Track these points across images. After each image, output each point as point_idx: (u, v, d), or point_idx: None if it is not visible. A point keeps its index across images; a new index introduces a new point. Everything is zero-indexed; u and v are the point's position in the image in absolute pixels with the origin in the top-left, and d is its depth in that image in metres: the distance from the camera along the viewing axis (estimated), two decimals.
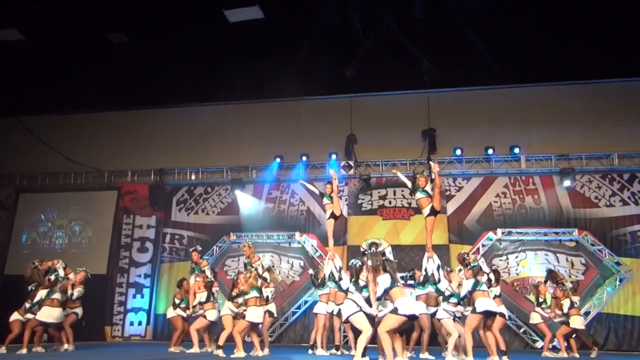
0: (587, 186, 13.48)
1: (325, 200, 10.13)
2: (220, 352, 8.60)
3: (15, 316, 9.32)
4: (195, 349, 9.21)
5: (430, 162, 9.50)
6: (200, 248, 10.73)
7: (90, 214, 15.38)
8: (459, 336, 8.02)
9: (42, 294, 9.12)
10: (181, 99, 15.24)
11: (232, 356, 8.36)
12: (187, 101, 15.49)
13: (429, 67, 13.03)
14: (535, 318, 10.30)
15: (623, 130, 13.51)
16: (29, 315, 9.20)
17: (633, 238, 12.76)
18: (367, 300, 7.08)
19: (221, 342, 8.65)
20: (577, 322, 9.61)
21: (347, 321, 7.31)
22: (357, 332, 7.27)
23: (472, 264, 7.93)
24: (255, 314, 8.58)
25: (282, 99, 15.15)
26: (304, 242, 14.13)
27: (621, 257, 12.52)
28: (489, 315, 7.70)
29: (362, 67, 13.30)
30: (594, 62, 12.65)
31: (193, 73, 13.24)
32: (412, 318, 6.56)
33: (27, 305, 9.31)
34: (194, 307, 9.68)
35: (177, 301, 10.08)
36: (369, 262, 6.84)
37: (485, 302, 7.56)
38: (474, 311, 7.59)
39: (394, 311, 6.43)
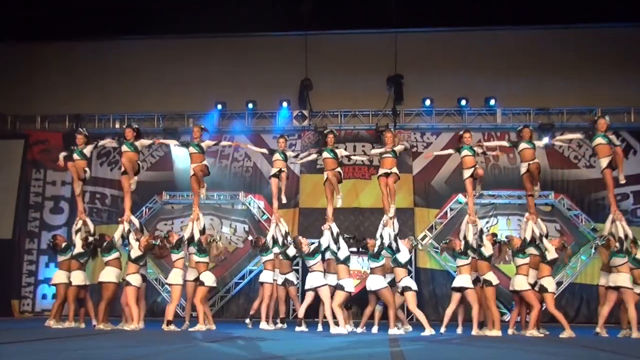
0: (566, 144, 14.08)
1: (277, 157, 10.28)
2: (173, 327, 8.93)
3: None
4: (135, 325, 8.84)
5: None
6: (135, 125, 10.22)
7: None
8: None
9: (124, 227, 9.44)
10: (104, 31, 14.65)
11: (193, 329, 8.94)
12: (111, 33, 14.92)
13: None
14: (520, 283, 8.85)
15: (608, 84, 14.07)
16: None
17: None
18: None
19: (170, 315, 9.03)
20: (552, 285, 8.99)
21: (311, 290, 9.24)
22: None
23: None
24: (211, 278, 9.31)
25: (225, 35, 14.88)
26: (249, 204, 14.22)
27: (598, 223, 13.23)
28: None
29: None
30: (579, 5, 13.04)
31: (119, 0, 12.77)
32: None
33: None
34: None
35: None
36: None
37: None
38: (490, 284, 8.81)
39: (341, 288, 8.95)
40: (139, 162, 10.03)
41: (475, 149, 9.79)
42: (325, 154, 9.83)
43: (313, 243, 9.77)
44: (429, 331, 8.70)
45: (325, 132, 10.71)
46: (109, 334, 8.03)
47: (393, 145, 9.69)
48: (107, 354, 5.25)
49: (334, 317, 8.99)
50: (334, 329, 8.81)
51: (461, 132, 10.18)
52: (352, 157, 11.57)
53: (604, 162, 9.17)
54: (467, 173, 9.64)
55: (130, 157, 9.69)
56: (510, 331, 9.00)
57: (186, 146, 10.08)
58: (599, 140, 9.21)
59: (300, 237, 9.66)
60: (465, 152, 9.66)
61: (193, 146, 9.83)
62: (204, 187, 10.00)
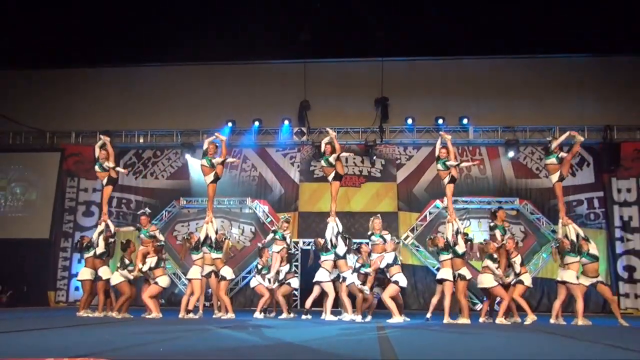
0: (529, 157, 14.15)
1: (277, 236, 9.92)
2: (191, 315, 9.00)
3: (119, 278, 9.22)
4: (155, 314, 8.80)
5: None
6: (149, 211, 10.34)
7: (33, 175, 14.83)
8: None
9: (152, 261, 9.06)
10: (129, 59, 14.71)
11: (223, 317, 8.97)
12: (136, 61, 14.97)
13: (382, 35, 13.08)
14: (486, 281, 8.70)
15: (564, 105, 14.19)
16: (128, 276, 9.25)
17: (568, 207, 13.51)
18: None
19: (191, 306, 9.13)
20: (529, 280, 8.99)
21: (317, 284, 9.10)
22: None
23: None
24: (230, 271, 9.39)
25: (235, 62, 14.94)
26: (255, 208, 14.20)
27: (557, 225, 13.25)
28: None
29: (317, 31, 13.23)
30: (539, 38, 13.18)
31: (141, 32, 12.80)
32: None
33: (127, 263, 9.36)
34: (143, 272, 9.14)
35: (126, 261, 9.35)
36: None
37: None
38: (464, 278, 8.69)
39: (345, 280, 8.88)
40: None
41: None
42: (322, 162, 9.74)
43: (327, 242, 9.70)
44: (397, 319, 8.38)
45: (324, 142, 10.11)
46: (132, 321, 7.97)
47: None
48: (132, 338, 5.21)
49: (335, 306, 9.04)
50: (345, 317, 8.74)
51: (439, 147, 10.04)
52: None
53: (554, 177, 9.32)
54: (447, 180, 9.48)
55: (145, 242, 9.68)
56: (481, 319, 8.84)
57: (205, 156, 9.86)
58: (552, 160, 9.33)
59: (319, 239, 9.62)
60: (439, 165, 9.49)
61: (206, 160, 9.71)
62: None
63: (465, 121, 14.16)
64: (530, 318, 8.48)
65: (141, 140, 14.95)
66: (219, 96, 14.87)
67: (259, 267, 9.83)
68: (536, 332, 6.87)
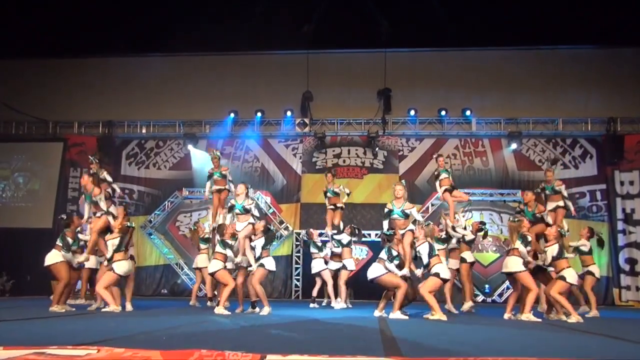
0: (532, 149, 14.11)
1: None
2: (209, 303, 9.09)
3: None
4: (114, 307, 7.47)
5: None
6: (93, 171, 8.70)
7: (36, 165, 14.84)
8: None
9: (114, 243, 7.76)
10: (132, 48, 14.67)
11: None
12: (139, 51, 14.93)
13: (386, 27, 13.04)
14: (512, 264, 7.27)
15: (568, 97, 14.12)
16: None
17: (571, 199, 13.50)
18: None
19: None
20: (573, 277, 7.31)
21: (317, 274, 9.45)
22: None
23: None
24: (273, 263, 7.86)
25: (238, 53, 14.89)
26: (258, 199, 14.19)
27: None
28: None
29: (320, 23, 13.17)
30: (543, 29, 13.11)
31: (144, 22, 12.77)
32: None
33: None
34: (108, 260, 7.73)
35: (69, 240, 7.95)
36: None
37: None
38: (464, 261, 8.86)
39: (344, 267, 9.10)
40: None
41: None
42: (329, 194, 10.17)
43: (322, 234, 9.77)
44: (439, 315, 7.18)
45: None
46: (136, 310, 7.99)
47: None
48: (140, 325, 5.24)
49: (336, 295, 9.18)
50: (336, 304, 8.84)
51: (435, 156, 10.14)
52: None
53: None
54: (442, 189, 9.82)
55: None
56: (506, 316, 7.52)
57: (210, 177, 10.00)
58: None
59: (311, 230, 9.63)
60: (443, 174, 9.81)
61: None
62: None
63: (468, 113, 14.11)
64: (593, 313, 7.68)
65: (144, 131, 14.94)
66: (221, 87, 14.83)
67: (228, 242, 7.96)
68: (539, 324, 6.88)
